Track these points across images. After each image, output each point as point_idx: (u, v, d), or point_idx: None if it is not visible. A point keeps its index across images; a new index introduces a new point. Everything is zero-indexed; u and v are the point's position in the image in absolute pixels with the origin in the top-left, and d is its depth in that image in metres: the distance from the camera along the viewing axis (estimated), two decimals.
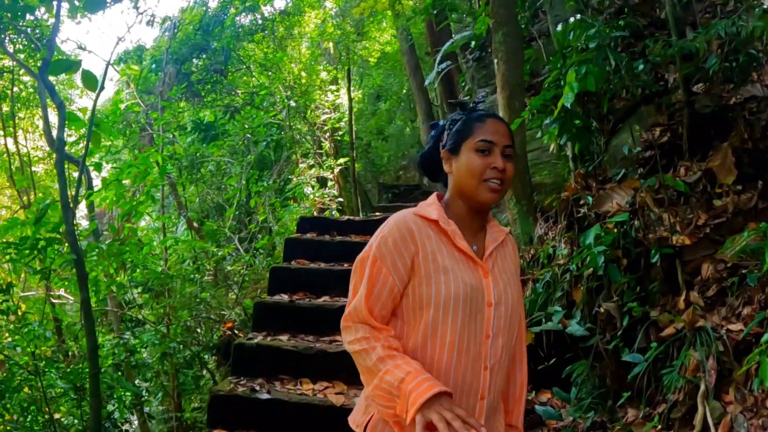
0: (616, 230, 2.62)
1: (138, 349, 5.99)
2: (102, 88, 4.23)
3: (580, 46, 2.59)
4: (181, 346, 5.80)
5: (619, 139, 3.53)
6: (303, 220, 4.50)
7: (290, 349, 2.97)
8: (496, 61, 3.57)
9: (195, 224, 8.74)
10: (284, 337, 3.12)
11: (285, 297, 3.46)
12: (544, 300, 2.83)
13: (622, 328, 2.49)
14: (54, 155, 7.92)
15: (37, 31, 5.69)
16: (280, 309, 3.33)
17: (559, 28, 2.93)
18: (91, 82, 3.95)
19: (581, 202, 3.19)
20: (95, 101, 4.14)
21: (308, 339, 3.12)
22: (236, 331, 6.21)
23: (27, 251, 4.20)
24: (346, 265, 3.82)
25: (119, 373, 5.85)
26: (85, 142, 4.24)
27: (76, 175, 8.75)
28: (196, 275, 5.60)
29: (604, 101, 2.99)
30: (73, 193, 4.14)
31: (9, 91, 8.04)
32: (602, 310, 2.51)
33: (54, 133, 5.22)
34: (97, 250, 4.29)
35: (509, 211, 3.46)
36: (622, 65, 2.48)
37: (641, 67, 2.66)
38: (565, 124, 2.77)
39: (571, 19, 2.82)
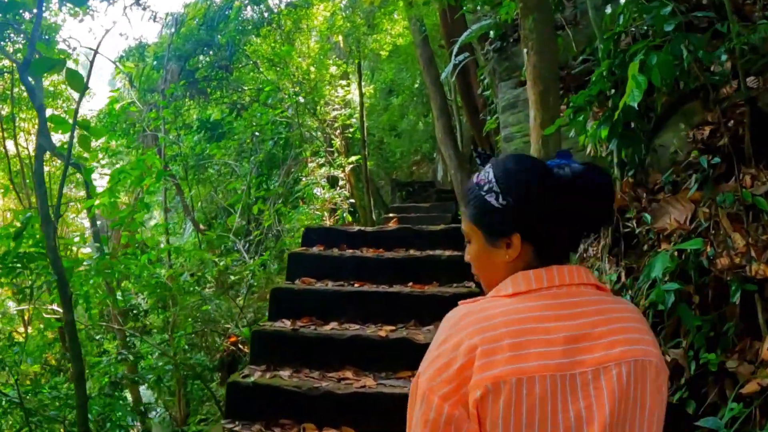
0: (679, 256, 2.16)
1: (145, 357, 5.71)
2: (86, 86, 3.87)
3: (642, 30, 2.13)
4: (187, 356, 5.49)
5: (662, 140, 3.08)
6: (309, 231, 4.06)
7: (292, 389, 2.58)
8: (525, 50, 3.11)
9: (202, 226, 8.40)
10: (285, 373, 2.72)
11: (287, 323, 3.06)
12: None
13: (690, 377, 2.04)
14: (54, 157, 7.61)
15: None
16: (282, 338, 2.93)
17: (608, 10, 2.46)
18: (76, 81, 3.59)
19: (627, 215, 2.74)
20: (79, 102, 3.79)
21: (313, 376, 2.72)
22: (240, 346, 5.86)
23: (9, 266, 3.87)
24: (357, 284, 3.40)
25: (117, 391, 5.55)
26: (79, 147, 3.88)
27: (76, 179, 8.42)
28: (197, 288, 5.24)
29: (659, 98, 2.53)
30: (62, 200, 3.77)
31: (9, 92, 7.75)
32: (668, 358, 2.06)
33: (54, 134, 4.91)
34: (82, 267, 3.93)
35: None
36: (698, 54, 2.02)
37: (723, 57, 2.20)
38: (616, 126, 2.31)
39: (622, 0, 2.35)
